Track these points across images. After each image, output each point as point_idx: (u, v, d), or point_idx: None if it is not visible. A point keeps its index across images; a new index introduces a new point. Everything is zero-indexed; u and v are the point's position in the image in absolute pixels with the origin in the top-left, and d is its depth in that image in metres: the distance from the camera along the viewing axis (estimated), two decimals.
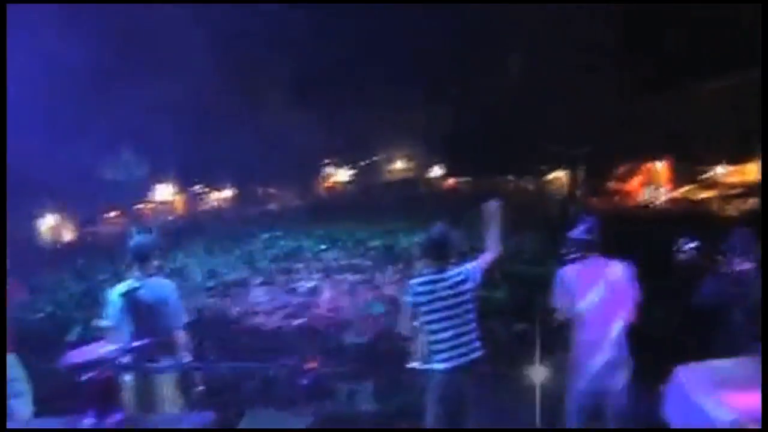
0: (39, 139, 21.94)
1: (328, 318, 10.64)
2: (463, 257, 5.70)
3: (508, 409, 6.41)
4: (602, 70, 25.39)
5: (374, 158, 43.73)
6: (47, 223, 34.48)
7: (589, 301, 5.39)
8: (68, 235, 35.24)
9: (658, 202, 28.34)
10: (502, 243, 5.66)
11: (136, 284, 5.52)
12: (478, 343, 5.49)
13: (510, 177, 34.63)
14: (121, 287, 5.57)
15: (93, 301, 10.87)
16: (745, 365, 4.56)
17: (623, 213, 24.40)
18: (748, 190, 24.34)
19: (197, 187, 41.83)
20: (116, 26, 23.37)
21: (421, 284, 5.46)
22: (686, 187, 28.10)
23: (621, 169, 30.27)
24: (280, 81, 30.56)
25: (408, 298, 5.52)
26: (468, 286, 5.44)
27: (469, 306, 5.46)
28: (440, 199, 29.59)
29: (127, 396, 5.14)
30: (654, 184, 29.56)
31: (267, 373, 6.29)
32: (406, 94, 30.11)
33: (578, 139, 26.59)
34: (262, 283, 14.24)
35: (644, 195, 29.28)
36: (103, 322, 5.50)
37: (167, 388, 5.40)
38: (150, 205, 38.60)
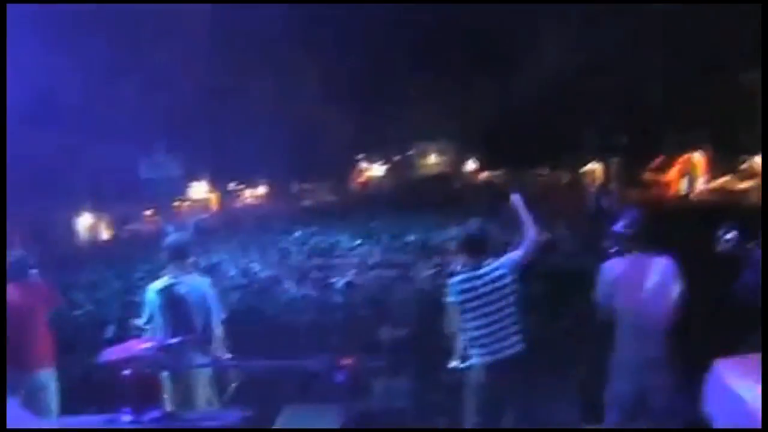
0: (75, 139, 22.21)
1: (363, 314, 10.62)
2: (500, 252, 5.68)
3: (546, 405, 6.35)
4: (638, 60, 25.11)
5: (408, 153, 43.69)
6: (85, 221, 34.94)
7: (631, 296, 5.31)
8: (105, 234, 35.67)
9: (695, 193, 27.95)
10: (534, 234, 5.63)
11: (173, 281, 5.55)
12: (517, 338, 5.46)
13: (544, 170, 34.40)
14: (158, 284, 5.60)
15: (131, 299, 10.97)
16: None
17: (660, 204, 24.08)
18: None
19: (232, 185, 42.11)
20: (150, 25, 23.56)
21: (461, 282, 5.46)
22: (725, 178, 27.64)
23: (658, 160, 29.89)
24: (312, 76, 30.59)
25: (450, 298, 5.51)
26: (507, 280, 5.42)
27: (510, 300, 5.45)
28: (475, 192, 29.43)
29: (165, 393, 5.17)
30: (692, 174, 29.13)
31: (303, 369, 6.28)
32: (439, 87, 30.00)
33: (614, 130, 26.34)
34: (297, 280, 14.23)
35: (682, 186, 28.88)
36: (140, 321, 5.54)
37: (204, 384, 5.43)
38: (185, 203, 38.93)
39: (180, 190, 35.03)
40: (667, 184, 29.38)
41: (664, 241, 5.58)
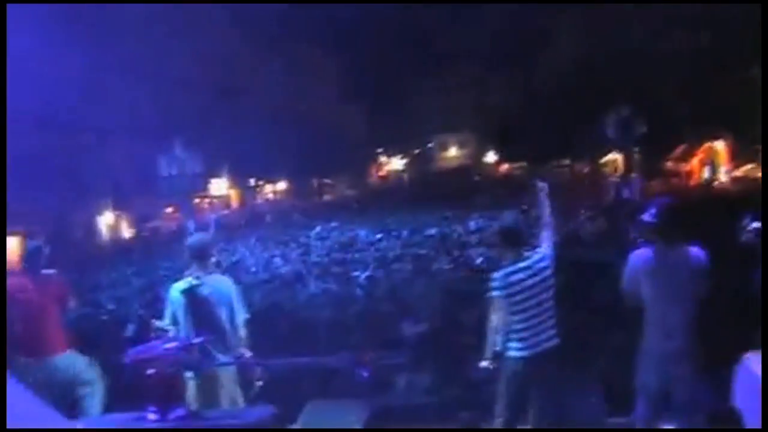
0: (95, 138, 22.34)
1: (384, 308, 10.60)
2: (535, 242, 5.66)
3: (575, 398, 6.31)
4: (657, 50, 24.93)
5: (428, 146, 43.62)
6: (107, 220, 35.17)
7: (658, 286, 5.24)
8: (127, 232, 35.88)
9: (718, 182, 27.69)
10: (555, 222, 5.63)
11: (196, 282, 5.56)
12: (554, 332, 5.43)
13: (565, 161, 34.24)
14: (182, 284, 5.62)
15: (153, 298, 11.01)
16: None
17: (682, 194, 23.88)
18: None
19: (252, 181, 42.23)
20: (170, 24, 23.64)
21: (508, 274, 5.40)
22: (748, 166, 27.38)
23: (679, 149, 29.65)
24: (331, 72, 30.62)
25: (496, 292, 5.45)
26: (549, 272, 5.40)
27: (550, 293, 5.43)
28: (495, 185, 29.33)
29: (189, 391, 5.18)
30: (714, 163, 28.86)
31: (325, 366, 6.29)
32: (458, 80, 29.94)
33: (634, 120, 26.13)
34: (318, 275, 14.23)
35: (704, 175, 28.61)
36: (164, 321, 5.55)
37: (228, 382, 5.44)
38: (206, 200, 39.09)
39: (200, 187, 35.23)
40: (689, 174, 29.14)
41: (688, 231, 5.51)
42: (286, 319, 9.95)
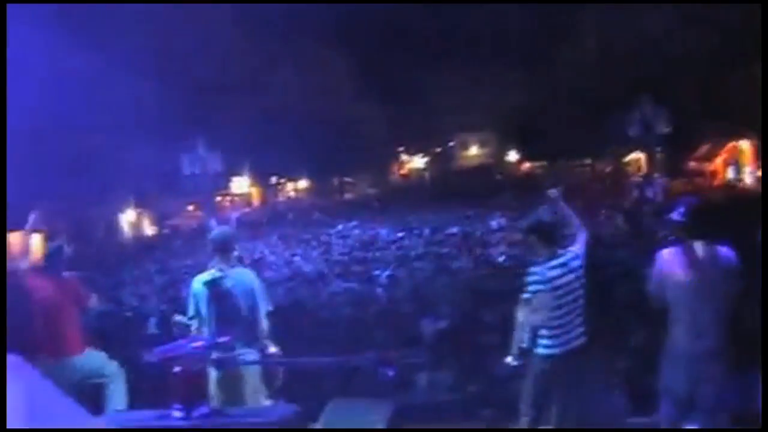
0: (119, 138, 22.49)
1: (406, 306, 10.60)
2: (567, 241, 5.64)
3: (599, 397, 6.27)
4: (681, 49, 24.75)
5: (449, 144, 43.58)
6: (129, 218, 35.42)
7: (687, 285, 5.18)
8: (149, 230, 36.11)
9: (742, 182, 27.46)
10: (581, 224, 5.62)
11: (219, 274, 5.58)
12: (582, 330, 5.40)
13: (586, 160, 34.09)
14: (205, 276, 5.63)
15: (176, 295, 11.07)
16: None
17: (707, 193, 23.70)
18: None
19: (273, 179, 42.36)
20: (192, 24, 23.76)
21: (546, 270, 5.36)
22: None
23: (703, 149, 29.43)
24: (353, 71, 30.64)
25: (534, 286, 5.41)
26: (582, 271, 5.38)
27: (581, 292, 5.39)
28: (517, 184, 29.28)
29: (212, 389, 5.19)
30: (738, 162, 28.60)
31: (348, 364, 6.29)
32: (479, 79, 29.88)
33: (657, 119, 25.97)
34: (340, 273, 14.26)
35: (728, 174, 28.37)
36: (186, 317, 5.57)
37: (252, 380, 5.45)
38: (227, 198, 39.26)
39: (222, 185, 35.38)
40: (713, 173, 28.91)
41: (717, 230, 5.45)
42: (308, 317, 9.97)
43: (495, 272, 11.96)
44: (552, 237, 5.49)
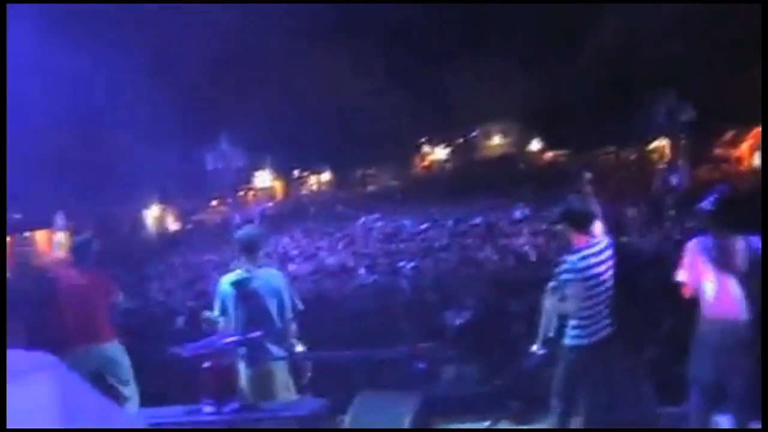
0: (143, 136, 22.64)
1: (432, 298, 10.59)
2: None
3: (627, 388, 6.23)
4: (702, 35, 24.49)
5: (471, 135, 43.39)
6: (154, 214, 35.65)
7: (715, 276, 5.12)
8: (174, 225, 36.32)
9: None
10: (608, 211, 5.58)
11: (246, 275, 5.57)
12: (610, 320, 5.36)
13: (611, 148, 33.81)
14: (232, 276, 5.62)
15: (202, 289, 11.14)
16: None
17: (732, 180, 23.45)
18: None
19: (296, 173, 42.43)
20: (214, 22, 23.84)
21: (584, 258, 5.29)
22: None
23: (728, 135, 29.10)
24: (374, 61, 30.60)
25: (568, 275, 5.35)
26: (612, 261, 5.33)
27: (612, 282, 5.34)
28: (539, 173, 29.13)
29: (242, 384, 5.22)
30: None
31: (377, 357, 6.30)
32: (501, 68, 29.72)
33: (681, 106, 25.72)
34: (366, 266, 14.28)
35: (754, 161, 28.02)
36: (214, 313, 5.58)
37: (281, 375, 5.46)
38: (251, 192, 39.37)
39: (245, 180, 35.50)
40: (738, 160, 28.57)
41: (747, 219, 5.37)
42: (333, 309, 9.99)
43: (520, 262, 11.92)
44: (583, 225, 5.43)
